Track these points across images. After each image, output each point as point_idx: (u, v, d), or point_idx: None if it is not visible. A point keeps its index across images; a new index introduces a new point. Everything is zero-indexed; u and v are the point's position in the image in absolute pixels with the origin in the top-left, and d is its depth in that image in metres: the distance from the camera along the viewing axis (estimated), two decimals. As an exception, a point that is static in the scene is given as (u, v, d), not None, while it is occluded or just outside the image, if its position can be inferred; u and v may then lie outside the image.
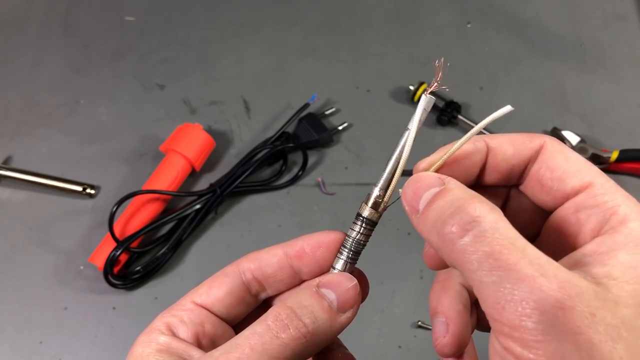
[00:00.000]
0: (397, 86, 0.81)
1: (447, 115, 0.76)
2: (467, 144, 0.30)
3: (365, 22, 0.88)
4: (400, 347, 0.65)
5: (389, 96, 0.81)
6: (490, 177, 0.31)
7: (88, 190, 0.73)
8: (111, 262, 0.65)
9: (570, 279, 0.22)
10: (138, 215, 0.69)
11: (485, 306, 0.23)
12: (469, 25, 0.87)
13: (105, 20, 0.89)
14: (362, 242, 0.31)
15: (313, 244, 0.32)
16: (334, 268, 0.32)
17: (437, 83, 0.32)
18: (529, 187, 0.30)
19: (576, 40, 0.85)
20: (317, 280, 0.30)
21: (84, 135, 0.79)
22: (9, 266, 0.70)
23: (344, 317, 0.29)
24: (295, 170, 0.75)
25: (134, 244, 0.68)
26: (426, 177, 0.28)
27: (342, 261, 0.31)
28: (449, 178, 0.27)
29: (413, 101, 0.79)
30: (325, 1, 0.90)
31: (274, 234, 0.71)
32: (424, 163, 0.30)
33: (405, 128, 0.31)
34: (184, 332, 0.31)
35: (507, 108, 0.28)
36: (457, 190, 0.26)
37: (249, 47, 0.86)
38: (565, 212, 0.28)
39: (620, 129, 0.77)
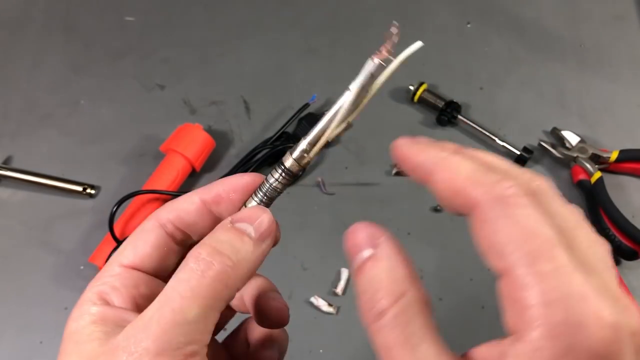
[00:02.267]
0: (397, 86, 0.81)
1: (447, 115, 0.76)
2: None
3: (365, 22, 0.88)
4: (400, 347, 0.65)
5: (389, 96, 0.81)
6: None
7: (88, 190, 0.74)
8: (111, 262, 0.65)
9: None
10: (138, 215, 0.69)
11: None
12: (469, 26, 0.87)
13: (106, 21, 0.89)
14: (277, 189, 0.31)
15: (228, 188, 0.32)
16: (245, 206, 0.32)
17: (387, 48, 0.31)
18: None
19: (576, 41, 0.85)
20: (229, 217, 0.30)
21: (84, 136, 0.79)
22: (9, 266, 0.70)
23: (264, 245, 0.29)
24: (295, 170, 0.75)
25: (134, 244, 0.68)
26: (361, 232, 0.28)
27: (255, 201, 0.32)
28: (383, 240, 0.27)
29: (413, 101, 0.79)
30: (325, 1, 0.90)
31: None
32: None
33: (346, 88, 0.31)
34: (119, 299, 0.29)
35: (418, 44, 0.29)
36: (384, 263, 0.26)
37: (249, 47, 0.86)
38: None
39: (620, 129, 0.77)
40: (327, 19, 0.88)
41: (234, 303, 0.37)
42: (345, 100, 0.30)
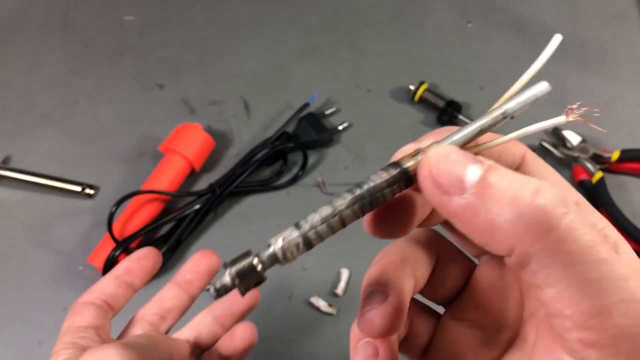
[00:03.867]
0: (397, 86, 0.81)
1: (448, 115, 0.76)
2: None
3: (365, 22, 0.88)
4: (400, 347, 0.65)
5: (389, 96, 0.80)
6: None
7: (87, 191, 0.73)
8: (110, 262, 0.65)
9: None
10: (137, 216, 0.69)
11: (574, 310, 0.19)
12: (469, 25, 0.87)
13: (105, 20, 0.89)
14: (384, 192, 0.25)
15: (135, 260, 0.43)
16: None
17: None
18: None
19: (577, 40, 0.84)
20: None
21: (83, 135, 0.79)
22: (7, 266, 0.70)
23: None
24: (295, 170, 0.74)
25: (133, 244, 0.67)
26: (458, 152, 0.21)
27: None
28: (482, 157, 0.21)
29: (413, 101, 0.79)
30: (325, 1, 0.90)
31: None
32: (409, 146, 0.25)
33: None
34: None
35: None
36: (511, 172, 0.21)
37: (249, 47, 0.86)
38: None
39: (621, 128, 0.77)
40: (327, 19, 0.88)
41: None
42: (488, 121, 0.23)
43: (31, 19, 0.90)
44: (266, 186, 0.73)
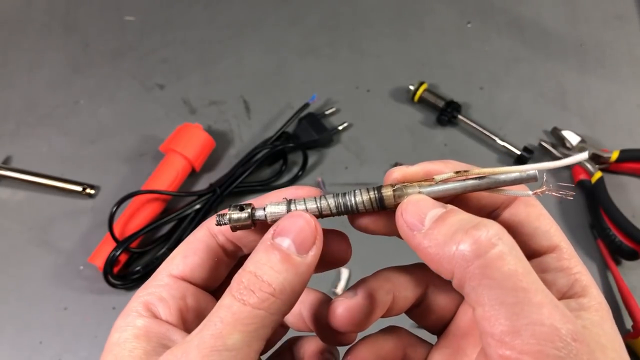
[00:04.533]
0: (397, 86, 0.81)
1: (447, 115, 0.76)
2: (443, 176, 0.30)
3: (365, 22, 0.88)
4: (400, 347, 0.65)
5: (389, 96, 0.81)
6: None
7: (88, 190, 0.73)
8: (111, 262, 0.65)
9: (574, 317, 0.23)
10: (138, 216, 0.69)
11: (493, 328, 0.23)
12: (469, 25, 0.87)
13: (105, 20, 0.89)
14: (338, 208, 0.29)
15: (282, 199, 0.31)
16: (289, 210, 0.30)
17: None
18: None
19: (576, 40, 0.85)
20: (271, 231, 0.28)
21: (84, 135, 0.79)
22: (8, 266, 0.70)
23: (308, 258, 0.27)
24: (295, 170, 0.74)
25: (134, 244, 0.68)
26: (426, 199, 0.27)
27: (301, 204, 0.29)
28: (449, 205, 0.27)
29: (413, 101, 0.79)
30: (325, 1, 0.90)
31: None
32: (397, 172, 0.29)
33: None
34: (166, 311, 0.29)
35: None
36: (464, 214, 0.26)
37: (249, 47, 0.86)
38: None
39: (620, 129, 0.77)
40: (327, 19, 0.88)
41: (291, 321, 0.35)
42: (508, 177, 0.27)
43: (32, 19, 0.90)
44: (266, 186, 0.73)
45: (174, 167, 0.72)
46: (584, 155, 0.26)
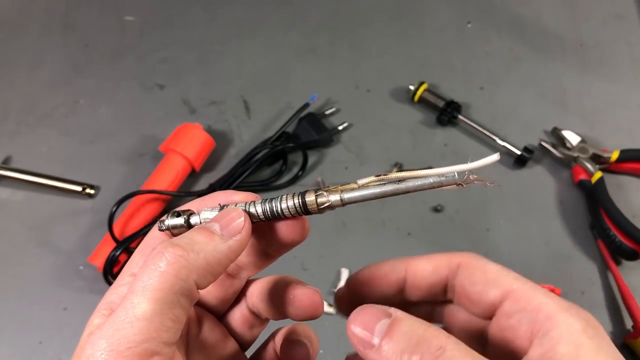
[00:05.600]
0: (397, 86, 0.81)
1: (447, 115, 0.76)
2: (385, 266, 0.34)
3: (365, 22, 0.88)
4: (400, 347, 0.65)
5: (389, 96, 0.81)
6: (413, 295, 0.34)
7: (87, 190, 0.73)
8: (111, 262, 0.65)
9: None
10: (138, 215, 0.69)
11: None
12: (469, 25, 0.87)
13: (105, 20, 0.89)
14: (278, 214, 0.30)
15: (223, 201, 0.31)
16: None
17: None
18: (461, 302, 0.32)
19: (576, 40, 0.84)
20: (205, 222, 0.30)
21: (84, 135, 0.79)
22: (8, 266, 0.70)
23: (231, 241, 0.28)
24: (295, 170, 0.74)
25: (134, 244, 0.67)
26: (370, 309, 0.28)
27: (242, 205, 0.30)
28: (392, 308, 0.27)
29: (413, 101, 0.79)
30: (325, 1, 0.90)
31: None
32: (340, 292, 0.34)
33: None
34: None
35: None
36: (408, 320, 0.26)
37: (249, 47, 0.86)
38: (499, 321, 0.30)
39: (620, 128, 0.77)
40: (327, 19, 0.88)
41: (263, 308, 0.35)
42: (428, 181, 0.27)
43: (32, 19, 0.90)
44: (266, 186, 0.73)
45: (174, 167, 0.71)
46: (495, 156, 0.26)
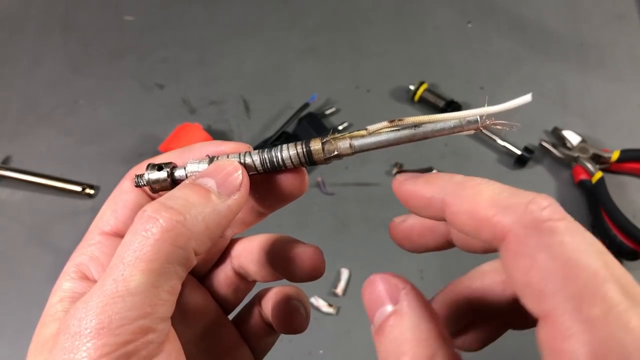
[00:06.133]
0: (397, 86, 0.81)
1: (448, 115, 0.76)
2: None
3: (365, 22, 0.88)
4: (400, 347, 0.65)
5: (389, 96, 0.80)
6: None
7: (87, 191, 0.73)
8: (110, 262, 0.65)
9: None
10: (137, 216, 0.69)
11: None
12: (469, 25, 0.87)
13: (105, 20, 0.89)
14: (279, 164, 0.26)
15: (207, 152, 0.28)
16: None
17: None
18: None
19: (577, 40, 0.84)
20: (194, 176, 0.26)
21: (83, 135, 0.79)
22: (8, 266, 0.70)
23: (230, 201, 0.24)
24: (295, 170, 0.74)
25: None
26: (379, 285, 0.22)
27: (236, 157, 0.27)
28: (405, 293, 0.22)
29: (413, 101, 0.79)
30: (325, 1, 0.90)
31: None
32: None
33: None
34: (98, 269, 0.26)
35: (527, 98, 0.23)
36: (408, 320, 0.21)
37: (249, 47, 0.86)
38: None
39: (621, 128, 0.77)
40: (327, 19, 0.88)
41: (253, 270, 0.32)
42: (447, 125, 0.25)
43: (31, 19, 0.90)
44: (266, 186, 0.73)
45: (174, 167, 0.71)
46: (527, 97, 0.23)
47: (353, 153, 0.25)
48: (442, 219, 0.23)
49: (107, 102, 0.82)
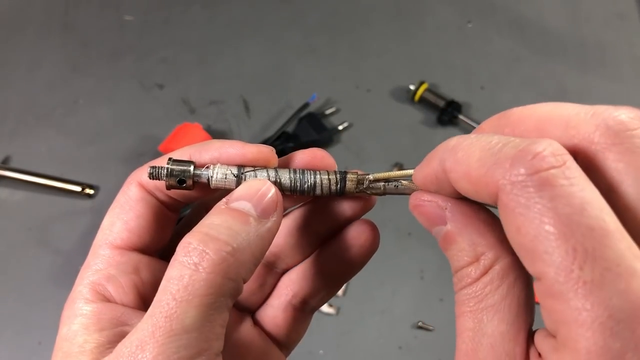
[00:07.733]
0: (397, 86, 0.81)
1: (448, 115, 0.76)
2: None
3: (365, 21, 0.87)
4: (400, 347, 0.64)
5: (389, 96, 0.80)
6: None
7: (87, 191, 0.73)
8: (110, 262, 0.65)
9: None
10: (137, 216, 0.69)
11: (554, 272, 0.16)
12: (469, 25, 0.87)
13: (104, 20, 0.89)
14: (293, 185, 0.26)
15: (226, 156, 0.26)
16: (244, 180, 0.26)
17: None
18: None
19: (577, 40, 0.84)
20: (224, 199, 0.24)
21: (83, 135, 0.79)
22: (7, 266, 0.70)
23: (270, 223, 0.24)
24: (295, 170, 0.74)
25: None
26: (427, 208, 0.24)
27: (265, 173, 0.26)
28: (448, 211, 0.23)
29: (413, 101, 0.79)
30: (325, 1, 0.90)
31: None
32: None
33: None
34: (118, 291, 0.24)
35: None
36: (458, 242, 0.23)
37: (249, 47, 0.86)
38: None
39: (621, 128, 0.77)
40: (327, 19, 0.88)
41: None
42: None
43: (31, 19, 0.89)
44: (266, 186, 0.73)
45: (174, 167, 0.71)
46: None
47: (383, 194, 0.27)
48: (457, 192, 0.21)
49: (106, 102, 0.81)
